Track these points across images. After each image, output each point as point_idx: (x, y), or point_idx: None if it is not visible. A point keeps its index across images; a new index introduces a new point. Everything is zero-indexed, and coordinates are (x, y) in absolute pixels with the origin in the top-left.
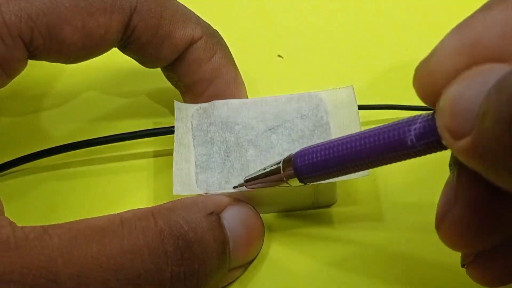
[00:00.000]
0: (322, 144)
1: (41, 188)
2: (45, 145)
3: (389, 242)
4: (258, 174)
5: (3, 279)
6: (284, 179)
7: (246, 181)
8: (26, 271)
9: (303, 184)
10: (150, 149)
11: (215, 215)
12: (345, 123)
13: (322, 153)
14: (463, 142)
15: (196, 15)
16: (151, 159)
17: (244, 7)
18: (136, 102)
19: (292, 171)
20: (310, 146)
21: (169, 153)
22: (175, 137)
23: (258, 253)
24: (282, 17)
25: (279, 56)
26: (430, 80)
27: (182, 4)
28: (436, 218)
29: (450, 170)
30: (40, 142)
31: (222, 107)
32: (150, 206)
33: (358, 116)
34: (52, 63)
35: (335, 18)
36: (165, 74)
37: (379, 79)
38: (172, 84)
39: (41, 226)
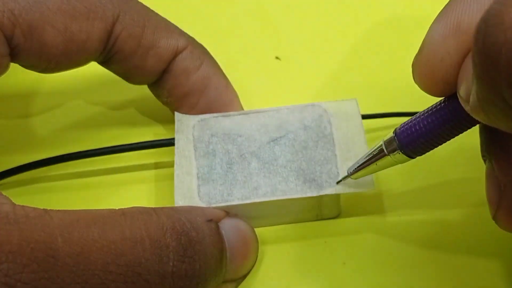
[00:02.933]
0: (420, 116)
1: (37, 201)
2: (39, 155)
3: (392, 252)
4: (362, 161)
5: (1, 249)
6: (390, 156)
7: (351, 172)
8: (25, 243)
9: (410, 158)
10: (151, 160)
11: (214, 223)
12: (349, 135)
13: (422, 124)
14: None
15: (180, 28)
16: (152, 171)
17: (241, 8)
18: (136, 112)
19: (395, 147)
20: (407, 120)
21: (171, 164)
22: (175, 149)
23: (251, 269)
24: (280, 18)
25: (277, 58)
26: (428, 70)
27: (166, 18)
28: (491, 208)
29: (485, 161)
30: (35, 152)
31: (224, 118)
32: None
33: (363, 128)
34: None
35: (333, 20)
36: (154, 93)
37: (378, 82)
38: (162, 102)
39: (42, 208)
